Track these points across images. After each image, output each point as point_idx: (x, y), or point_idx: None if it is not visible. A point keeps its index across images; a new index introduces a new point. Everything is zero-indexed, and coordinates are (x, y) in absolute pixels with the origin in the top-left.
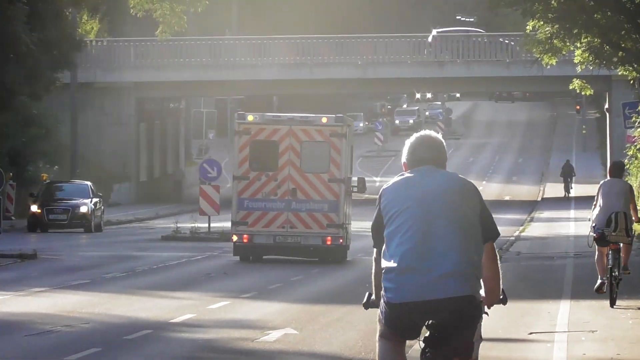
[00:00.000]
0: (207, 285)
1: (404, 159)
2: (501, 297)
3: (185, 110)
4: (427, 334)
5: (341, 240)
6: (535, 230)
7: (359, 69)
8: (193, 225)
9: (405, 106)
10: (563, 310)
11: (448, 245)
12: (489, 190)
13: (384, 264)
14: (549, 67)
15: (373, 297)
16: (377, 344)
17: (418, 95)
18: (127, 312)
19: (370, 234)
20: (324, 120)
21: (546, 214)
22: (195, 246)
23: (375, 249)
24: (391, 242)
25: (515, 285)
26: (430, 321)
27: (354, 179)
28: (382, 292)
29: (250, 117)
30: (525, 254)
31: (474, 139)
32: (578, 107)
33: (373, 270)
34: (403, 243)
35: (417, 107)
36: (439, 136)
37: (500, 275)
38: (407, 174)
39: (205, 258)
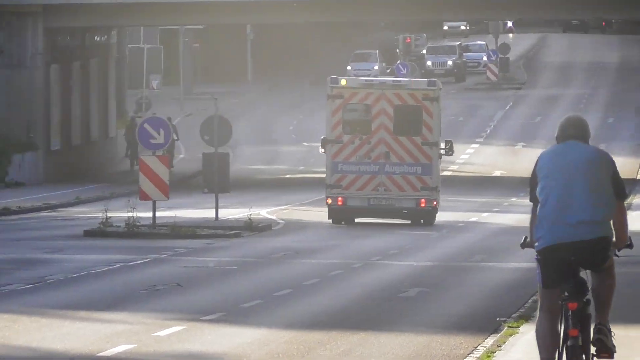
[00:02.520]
0: (153, 302)
1: (557, 133)
2: (628, 243)
3: (117, 47)
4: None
5: (435, 203)
6: (636, 222)
7: None
8: (130, 214)
9: (439, 42)
10: None
11: (584, 201)
12: None
13: (538, 216)
14: None
15: (529, 239)
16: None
17: (446, 27)
18: (33, 342)
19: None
20: (417, 84)
21: None
22: (133, 245)
23: (532, 203)
24: (541, 198)
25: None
26: (573, 257)
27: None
28: (535, 240)
29: (343, 82)
30: (625, 257)
31: (541, 88)
32: None
33: (530, 218)
34: (550, 199)
35: (458, 42)
36: (583, 117)
37: (627, 226)
38: (557, 146)
39: (148, 263)
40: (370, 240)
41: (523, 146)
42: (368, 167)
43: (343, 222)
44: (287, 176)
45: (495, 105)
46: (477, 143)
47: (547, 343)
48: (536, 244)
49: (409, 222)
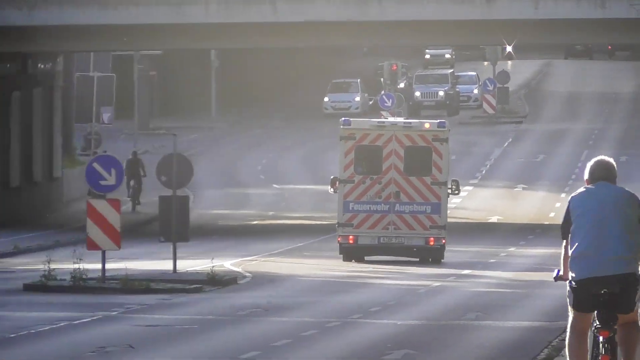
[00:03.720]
0: None
1: (586, 176)
2: None
3: (63, 75)
4: (602, 301)
5: (443, 241)
6: None
7: (353, 6)
8: (76, 266)
9: (428, 70)
10: None
11: (616, 238)
12: None
13: (571, 252)
14: None
15: (561, 273)
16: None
17: (428, 55)
18: None
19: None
20: (427, 125)
21: None
22: (80, 301)
23: (564, 240)
24: (575, 236)
25: None
26: (604, 290)
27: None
28: (569, 276)
29: (355, 123)
30: None
31: (544, 122)
32: None
33: (562, 255)
34: (585, 237)
35: (450, 70)
36: (611, 159)
37: None
38: (588, 187)
39: (97, 321)
40: (349, 295)
41: (523, 188)
42: (379, 206)
43: (353, 260)
44: (255, 222)
45: (493, 142)
46: (470, 185)
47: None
48: (572, 275)
49: (417, 259)
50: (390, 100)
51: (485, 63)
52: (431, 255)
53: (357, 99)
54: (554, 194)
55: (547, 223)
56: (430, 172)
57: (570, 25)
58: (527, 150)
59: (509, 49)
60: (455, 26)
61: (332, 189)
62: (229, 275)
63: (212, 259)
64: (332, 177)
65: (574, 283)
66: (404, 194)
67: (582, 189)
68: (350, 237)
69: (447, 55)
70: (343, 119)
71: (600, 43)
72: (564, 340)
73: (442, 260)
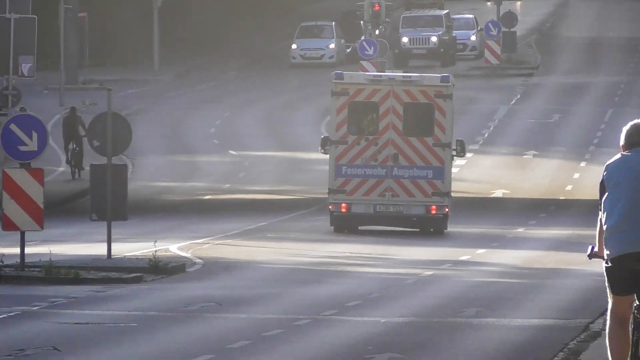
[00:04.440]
0: None
1: (621, 142)
2: None
3: None
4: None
5: (447, 209)
6: None
7: None
8: None
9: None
10: None
11: None
12: (587, 189)
13: (605, 226)
14: None
15: (596, 249)
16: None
17: None
18: None
19: None
20: (429, 79)
21: None
22: None
23: (600, 213)
24: (610, 208)
25: None
26: None
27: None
28: (604, 253)
29: (348, 77)
30: None
31: (560, 75)
32: None
33: (597, 229)
34: (621, 209)
35: (444, 11)
36: None
37: None
38: (624, 154)
39: (15, 318)
40: (322, 286)
41: (535, 155)
42: (375, 170)
43: (346, 230)
44: (208, 197)
45: (497, 99)
46: (470, 151)
47: (619, 350)
48: (606, 252)
49: (417, 230)
50: (372, 48)
51: (489, 3)
52: (433, 226)
53: (332, 46)
54: (571, 163)
55: (563, 198)
56: (433, 133)
57: None
58: (539, 108)
59: None
60: None
61: (322, 150)
62: (176, 262)
63: (155, 241)
64: (322, 136)
65: (609, 262)
66: (403, 157)
67: (617, 156)
68: (343, 204)
69: None
70: (335, 72)
71: None
72: (583, 342)
73: (445, 231)
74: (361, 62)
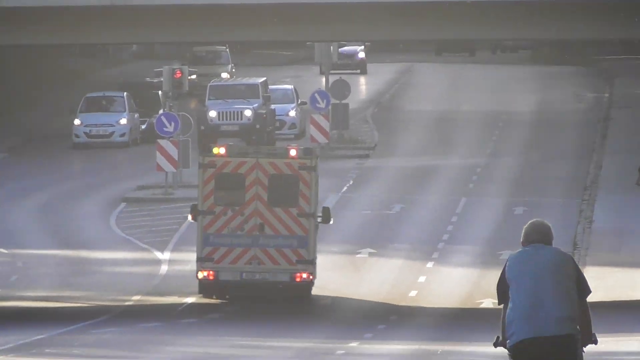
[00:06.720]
0: None
1: (522, 239)
2: (593, 339)
3: None
4: None
5: (311, 277)
6: None
7: None
8: None
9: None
10: None
11: (553, 299)
12: (436, 294)
13: (509, 315)
14: None
15: (501, 338)
16: None
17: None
18: None
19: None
20: (293, 153)
21: None
22: None
23: (502, 304)
24: (513, 299)
25: None
26: (544, 352)
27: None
28: (507, 338)
29: (215, 150)
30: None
31: (402, 156)
32: None
33: (502, 318)
34: (522, 299)
35: (261, 79)
36: (547, 222)
37: (591, 323)
38: (525, 248)
39: None
40: None
41: (371, 254)
42: (241, 239)
43: (214, 296)
44: None
45: (325, 185)
46: None
47: None
48: (508, 340)
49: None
50: (173, 124)
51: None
52: (298, 292)
53: (123, 121)
54: (416, 263)
55: (406, 306)
56: (297, 203)
57: (439, 9)
58: (376, 197)
59: (360, 53)
60: (273, 11)
61: (191, 218)
62: None
63: None
64: (192, 204)
65: (512, 349)
66: (268, 227)
67: (518, 250)
68: (211, 272)
69: (223, 51)
70: (202, 144)
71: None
72: None
73: (310, 297)
74: (158, 140)
